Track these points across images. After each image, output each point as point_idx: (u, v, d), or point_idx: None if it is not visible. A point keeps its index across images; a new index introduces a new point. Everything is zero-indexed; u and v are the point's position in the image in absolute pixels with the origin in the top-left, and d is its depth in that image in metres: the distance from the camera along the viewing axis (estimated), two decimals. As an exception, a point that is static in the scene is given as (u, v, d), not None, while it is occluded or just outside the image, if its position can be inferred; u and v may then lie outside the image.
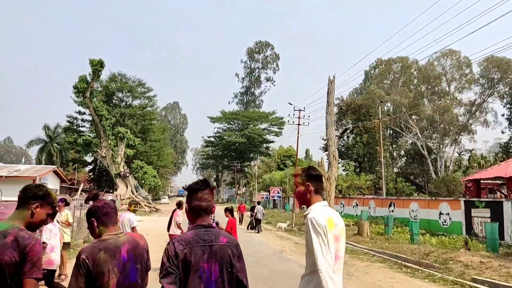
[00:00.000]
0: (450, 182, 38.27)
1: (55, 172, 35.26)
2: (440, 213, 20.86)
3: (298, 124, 24.13)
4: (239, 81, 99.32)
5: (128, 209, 9.96)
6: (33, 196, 2.48)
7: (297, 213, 27.52)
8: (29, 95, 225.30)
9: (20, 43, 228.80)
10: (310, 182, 2.77)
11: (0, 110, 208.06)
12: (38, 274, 2.26)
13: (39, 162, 59.55)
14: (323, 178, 2.95)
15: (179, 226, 10.59)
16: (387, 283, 9.75)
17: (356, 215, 29.51)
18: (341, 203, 33.01)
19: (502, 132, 52.05)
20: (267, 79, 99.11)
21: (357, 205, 30.30)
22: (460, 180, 37.28)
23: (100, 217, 2.56)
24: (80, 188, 39.65)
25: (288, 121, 24.76)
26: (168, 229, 10.86)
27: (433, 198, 25.03)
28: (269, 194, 50.01)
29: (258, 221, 22.44)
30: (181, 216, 10.37)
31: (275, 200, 50.48)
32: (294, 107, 24.51)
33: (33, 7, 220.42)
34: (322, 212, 2.64)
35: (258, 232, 21.93)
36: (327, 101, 27.61)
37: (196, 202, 2.46)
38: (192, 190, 2.49)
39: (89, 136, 47.12)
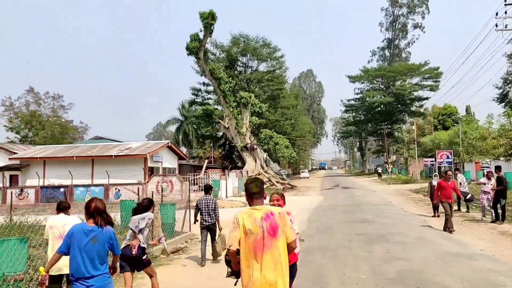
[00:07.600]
0: None
1: (169, 148, 30.30)
2: None
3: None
4: (382, 32, 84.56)
5: None
6: None
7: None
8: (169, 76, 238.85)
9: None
10: None
11: (152, 95, 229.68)
12: None
13: (176, 142, 58.32)
14: None
15: None
16: None
17: None
18: None
19: None
20: (415, 26, 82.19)
21: None
22: None
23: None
24: (204, 166, 34.45)
25: (496, 25, 13.74)
26: None
27: None
28: (435, 160, 37.85)
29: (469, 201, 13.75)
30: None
31: (442, 167, 38.07)
32: (505, 1, 13.41)
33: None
34: None
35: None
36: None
37: None
38: None
39: (212, 106, 41.92)
